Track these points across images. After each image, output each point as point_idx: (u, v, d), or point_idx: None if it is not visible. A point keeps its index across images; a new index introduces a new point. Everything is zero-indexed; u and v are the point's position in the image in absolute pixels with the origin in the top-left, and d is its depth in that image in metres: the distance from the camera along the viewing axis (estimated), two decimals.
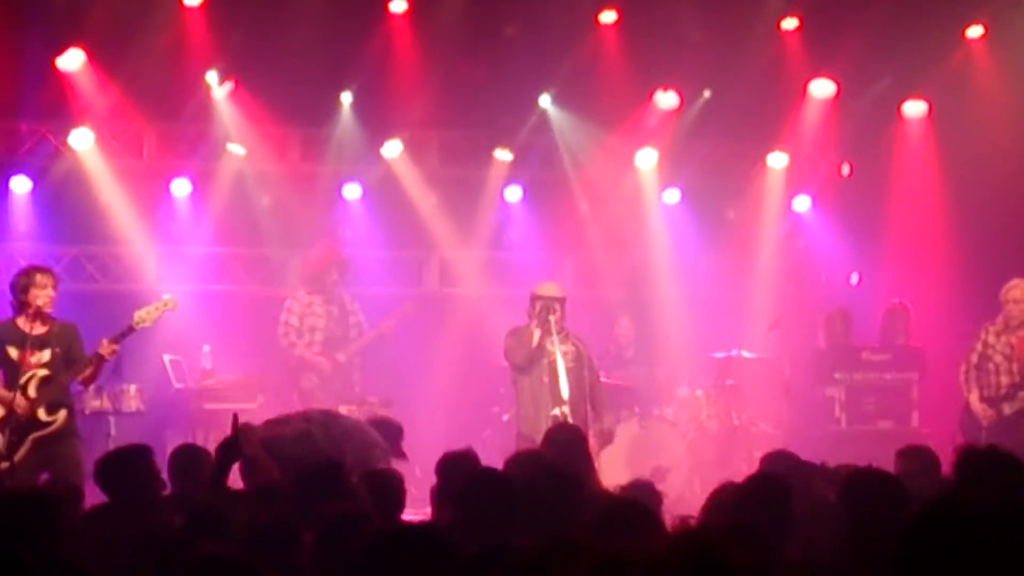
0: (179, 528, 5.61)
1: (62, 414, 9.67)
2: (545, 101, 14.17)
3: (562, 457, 7.34)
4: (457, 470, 6.55)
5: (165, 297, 10.26)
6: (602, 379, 11.60)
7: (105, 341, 9.71)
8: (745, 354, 13.59)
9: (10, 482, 8.90)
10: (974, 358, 11.82)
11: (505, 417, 12.42)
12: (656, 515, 5.26)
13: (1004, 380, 11.71)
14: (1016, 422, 11.51)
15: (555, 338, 11.05)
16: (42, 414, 9.61)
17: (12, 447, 9.50)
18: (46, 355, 9.67)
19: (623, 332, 13.81)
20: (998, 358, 11.76)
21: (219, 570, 4.23)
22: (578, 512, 5.53)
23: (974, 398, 11.72)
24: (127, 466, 6.68)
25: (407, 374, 13.25)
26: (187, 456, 7.43)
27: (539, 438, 10.62)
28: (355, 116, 13.79)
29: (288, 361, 12.82)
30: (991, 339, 11.79)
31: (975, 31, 13.94)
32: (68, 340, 9.78)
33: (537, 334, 11.15)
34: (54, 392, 9.64)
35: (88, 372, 9.77)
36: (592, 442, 9.82)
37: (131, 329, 9.87)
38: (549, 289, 11.47)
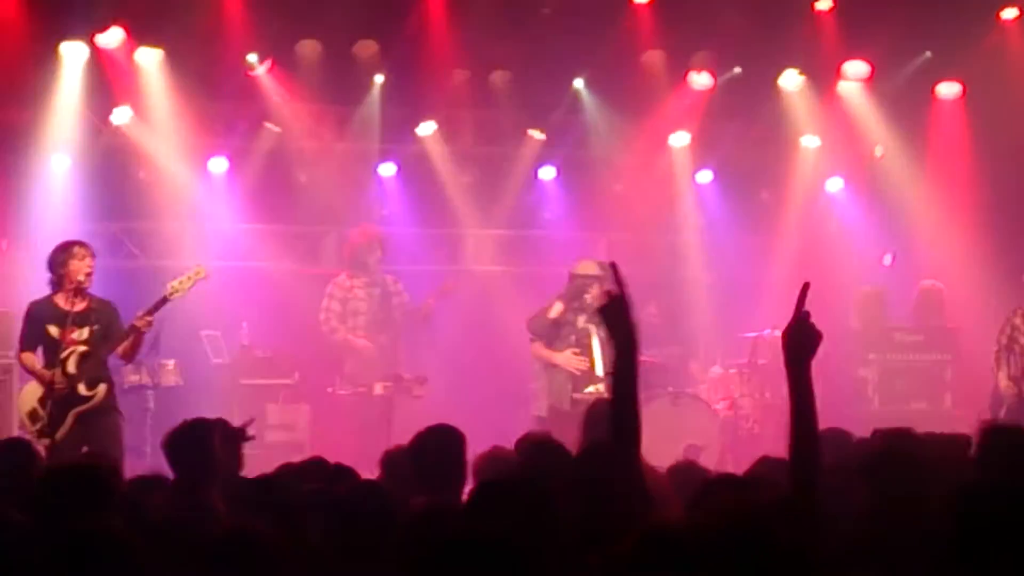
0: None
1: (102, 388, 9.76)
2: (579, 83, 14.22)
3: (602, 433, 7.36)
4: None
5: (197, 266, 10.27)
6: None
7: (140, 313, 9.78)
8: (777, 334, 13.60)
9: (53, 458, 9.00)
10: (1003, 339, 12.03)
11: (533, 386, 12.48)
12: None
13: None
14: None
15: (585, 317, 11.12)
16: (82, 389, 9.69)
17: (55, 424, 9.59)
18: (86, 332, 9.74)
19: (651, 314, 13.86)
20: (1023, 340, 11.98)
21: (248, 546, 4.27)
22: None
23: (1002, 376, 11.97)
24: (195, 441, 6.70)
25: (445, 352, 13.32)
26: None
27: (567, 406, 10.76)
28: (391, 95, 13.86)
29: (330, 346, 12.88)
30: (1018, 321, 11.96)
31: (1010, 13, 13.93)
32: (108, 317, 9.84)
33: (558, 308, 11.21)
34: (93, 367, 9.72)
35: (127, 346, 9.84)
36: None
37: (164, 300, 9.88)
38: (586, 268, 11.55)
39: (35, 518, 4.53)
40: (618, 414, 4.37)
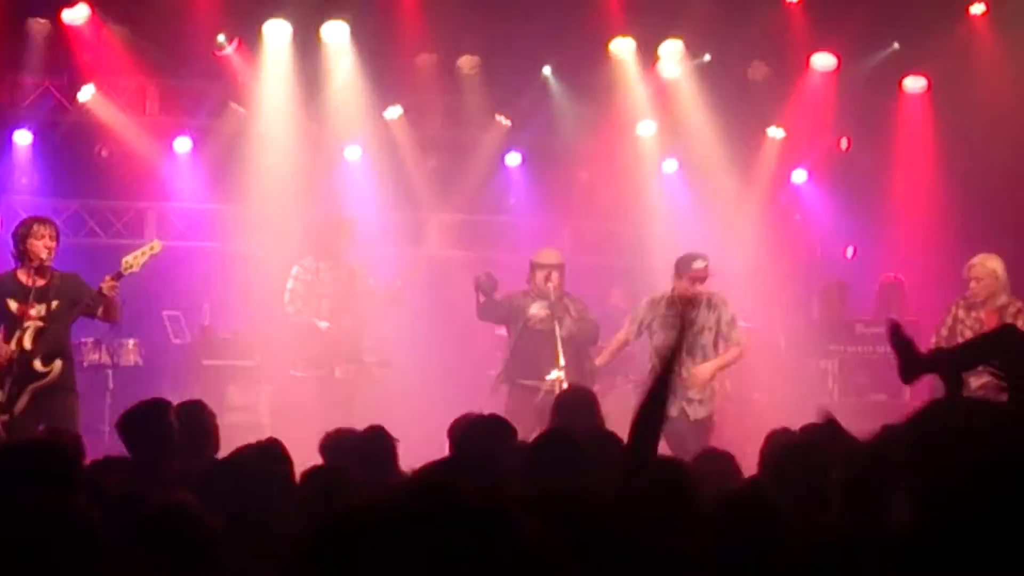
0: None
1: (58, 364, 9.63)
2: (547, 70, 14.21)
3: (574, 420, 7.39)
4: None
5: (152, 241, 10.17)
6: (598, 344, 11.72)
7: (107, 277, 9.69)
8: (741, 324, 13.66)
9: (11, 434, 8.95)
10: (944, 332, 11.78)
11: (493, 372, 12.50)
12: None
13: None
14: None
15: (551, 304, 11.14)
16: (38, 364, 9.57)
17: (12, 399, 9.53)
18: (43, 308, 9.63)
19: (615, 303, 13.90)
20: (968, 333, 11.74)
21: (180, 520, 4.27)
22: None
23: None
24: (151, 420, 6.68)
25: (407, 335, 13.31)
26: (189, 413, 7.38)
27: (529, 382, 10.80)
28: (358, 77, 13.81)
29: (292, 327, 12.83)
30: (960, 314, 11.78)
31: (978, 8, 13.98)
32: (74, 289, 9.74)
33: (518, 298, 11.29)
34: (50, 342, 9.61)
35: (102, 310, 9.77)
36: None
37: (119, 275, 9.72)
38: (546, 256, 11.55)
39: None
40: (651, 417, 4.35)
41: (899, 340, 6.93)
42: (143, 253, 9.94)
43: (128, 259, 9.86)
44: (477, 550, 2.41)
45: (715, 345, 10.83)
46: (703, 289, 10.81)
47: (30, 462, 5.00)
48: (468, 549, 2.41)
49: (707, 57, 14.17)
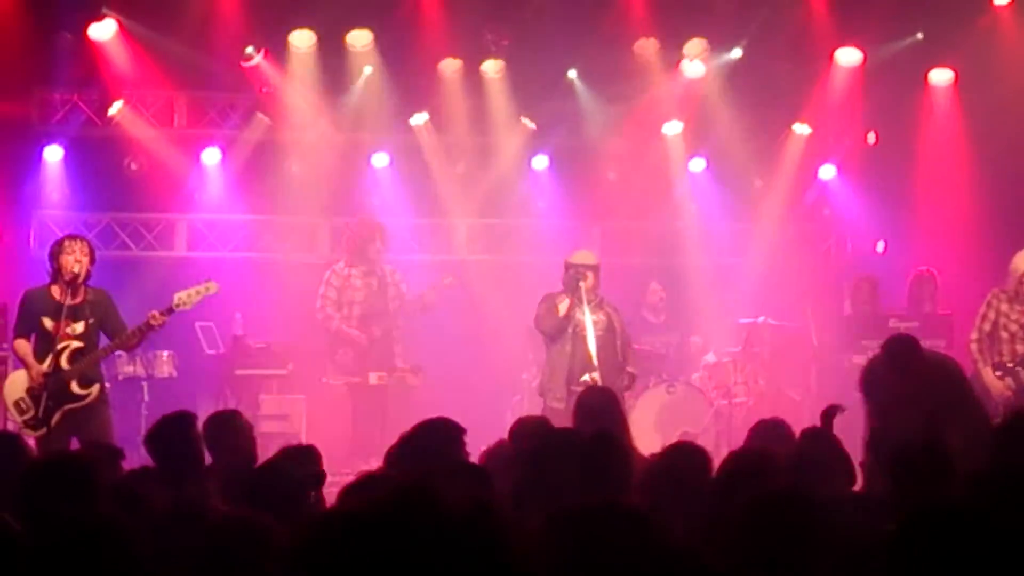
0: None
1: (95, 388, 9.71)
2: (571, 73, 14.22)
3: (594, 421, 7.39)
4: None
5: (208, 282, 10.19)
6: (633, 347, 11.74)
7: (156, 313, 9.75)
8: (772, 321, 13.66)
9: (44, 450, 9.00)
10: (987, 327, 11.52)
11: (534, 384, 12.54)
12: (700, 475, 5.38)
13: (1020, 348, 11.49)
14: None
15: (585, 306, 11.17)
16: (75, 387, 9.65)
17: (48, 414, 9.56)
18: (80, 326, 9.68)
19: (654, 297, 13.91)
20: (1013, 327, 11.54)
21: (236, 532, 4.30)
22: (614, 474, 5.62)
23: (988, 372, 11.39)
24: (177, 433, 6.73)
25: (437, 341, 13.33)
26: (225, 423, 7.34)
27: (560, 404, 10.80)
28: (383, 85, 13.85)
29: (324, 333, 12.88)
30: (1003, 307, 11.57)
31: None
32: (103, 308, 9.82)
33: (566, 303, 11.25)
34: (88, 365, 9.70)
35: (129, 336, 9.86)
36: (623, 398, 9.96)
37: (170, 310, 9.83)
38: (582, 257, 11.57)
39: (23, 512, 4.54)
40: None
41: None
42: (197, 292, 10.00)
43: (181, 295, 9.92)
44: (459, 553, 2.42)
45: None
46: None
47: (62, 475, 5.06)
48: (449, 552, 2.42)
49: (738, 51, 14.11)
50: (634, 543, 3.56)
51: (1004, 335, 11.47)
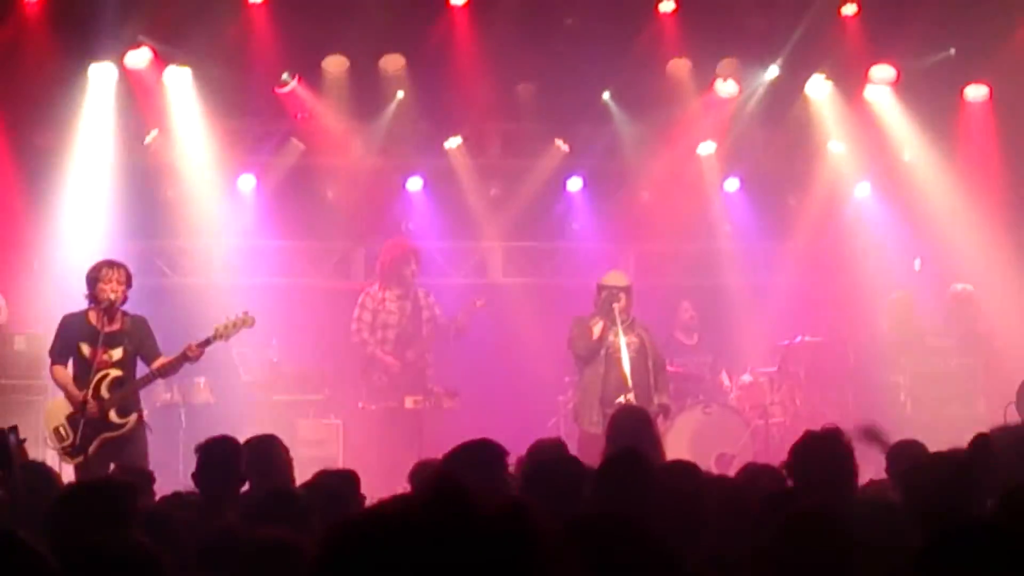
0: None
1: (133, 418, 9.76)
2: (606, 95, 14.22)
3: (628, 440, 7.38)
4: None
5: (245, 314, 10.23)
6: (668, 368, 11.73)
7: (194, 345, 9.82)
8: (808, 339, 13.60)
9: (82, 477, 9.04)
10: None
11: (570, 406, 12.53)
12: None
13: None
14: None
15: (619, 328, 11.17)
16: (114, 416, 9.69)
17: (86, 441, 9.59)
18: (118, 353, 9.73)
19: (685, 315, 13.87)
20: None
21: (277, 554, 4.32)
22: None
23: None
24: (220, 458, 6.74)
25: (472, 364, 13.33)
26: (263, 447, 7.32)
27: (596, 428, 10.79)
28: (417, 108, 13.90)
29: (359, 357, 12.90)
30: None
31: None
32: (140, 335, 9.88)
33: (599, 325, 11.25)
34: (126, 395, 9.75)
35: (165, 363, 9.87)
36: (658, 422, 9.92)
37: (208, 342, 9.92)
38: (614, 279, 11.58)
39: (55, 538, 4.57)
40: None
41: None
42: (235, 325, 10.06)
43: (219, 328, 9.99)
44: (492, 557, 2.40)
45: None
46: None
47: (94, 501, 5.09)
48: (483, 555, 2.40)
49: (775, 70, 14.06)
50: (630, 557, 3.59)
51: None
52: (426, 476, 6.57)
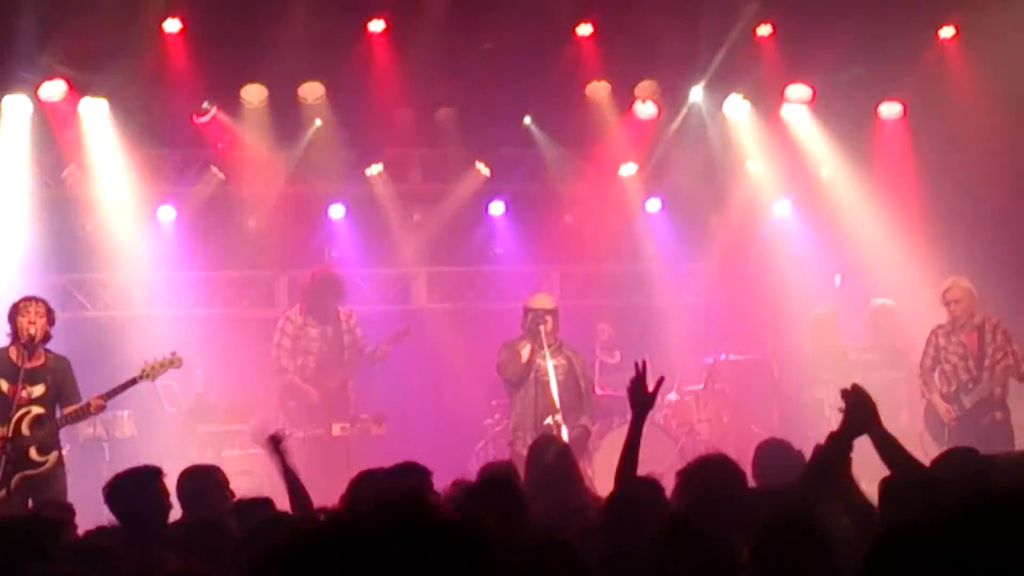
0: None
1: (53, 456, 9.69)
2: (527, 119, 14.27)
3: (548, 472, 7.39)
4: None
5: (173, 355, 10.19)
6: (596, 391, 11.76)
7: (95, 397, 9.74)
8: (733, 357, 13.69)
9: (2, 511, 8.92)
10: (928, 362, 12.07)
11: (498, 429, 12.51)
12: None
13: (963, 376, 11.92)
14: (976, 413, 11.77)
15: (546, 351, 11.19)
16: (34, 454, 9.61)
17: (7, 478, 9.51)
18: (39, 389, 9.66)
19: (605, 336, 13.91)
20: (953, 359, 11.99)
21: None
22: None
23: (936, 398, 11.95)
24: (138, 488, 6.68)
25: (399, 390, 13.31)
26: (195, 478, 7.29)
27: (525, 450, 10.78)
28: (337, 136, 13.86)
29: (282, 388, 12.80)
30: (942, 341, 12.03)
31: (947, 31, 14.09)
32: (61, 375, 9.80)
33: (527, 349, 11.27)
34: (47, 433, 9.66)
35: (71, 413, 9.78)
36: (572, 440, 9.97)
37: (134, 381, 9.90)
38: (540, 301, 11.61)
39: None
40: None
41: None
42: (162, 365, 10.02)
43: (146, 368, 9.95)
44: (449, 563, 2.40)
45: None
46: None
47: (19, 538, 5.03)
48: (439, 562, 2.39)
49: (699, 91, 14.18)
50: None
51: (947, 367, 11.95)
52: (367, 488, 6.57)
